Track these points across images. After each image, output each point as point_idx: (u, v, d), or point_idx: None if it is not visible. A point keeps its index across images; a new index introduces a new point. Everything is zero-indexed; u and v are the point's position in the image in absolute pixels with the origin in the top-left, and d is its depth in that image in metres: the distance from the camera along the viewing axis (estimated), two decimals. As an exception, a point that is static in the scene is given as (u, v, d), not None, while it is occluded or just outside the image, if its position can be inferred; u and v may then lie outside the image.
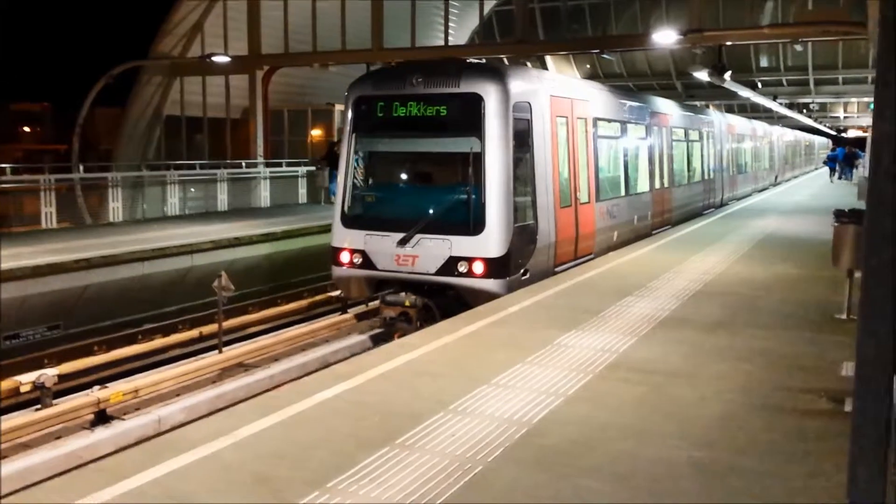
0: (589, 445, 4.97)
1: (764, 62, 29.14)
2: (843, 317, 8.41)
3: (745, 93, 23.89)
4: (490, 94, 10.09)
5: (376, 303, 11.67)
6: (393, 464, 4.62)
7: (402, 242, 10.20)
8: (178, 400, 8.82)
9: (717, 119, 22.48)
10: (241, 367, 9.99)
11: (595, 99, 13.47)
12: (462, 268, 9.96)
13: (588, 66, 31.60)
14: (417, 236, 10.13)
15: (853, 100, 38.51)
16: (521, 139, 10.52)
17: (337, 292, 12.75)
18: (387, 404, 5.69)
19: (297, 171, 23.22)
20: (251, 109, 23.87)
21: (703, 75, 15.76)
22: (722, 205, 22.76)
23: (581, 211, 12.12)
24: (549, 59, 31.06)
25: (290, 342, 11.07)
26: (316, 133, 25.40)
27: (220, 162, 22.46)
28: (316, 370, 10.29)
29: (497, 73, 10.50)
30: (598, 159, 13.13)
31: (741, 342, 7.51)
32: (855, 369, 2.64)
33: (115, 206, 17.94)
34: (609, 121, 13.97)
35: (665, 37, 14.52)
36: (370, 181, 11.37)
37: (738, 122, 25.97)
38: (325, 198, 23.10)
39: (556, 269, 11.21)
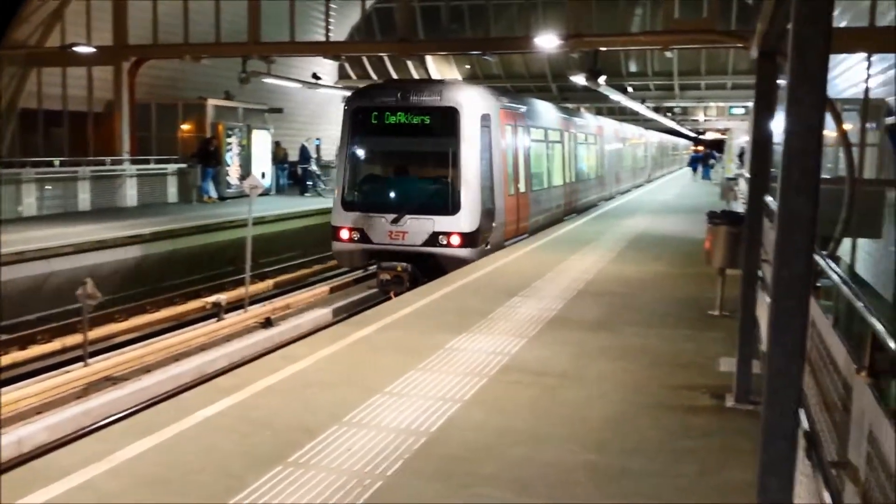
0: (487, 452, 4.91)
1: (633, 67, 30.46)
2: (716, 313, 8.83)
3: (616, 96, 24.87)
4: (464, 107, 13.00)
5: (263, 308, 12.37)
6: (287, 484, 4.38)
7: (395, 221, 12.85)
8: (39, 418, 8.09)
9: (608, 124, 25.90)
10: (109, 380, 9.31)
11: (528, 109, 16.76)
12: (442, 240, 12.71)
13: (468, 66, 31.93)
14: (406, 216, 12.81)
15: (712, 104, 41.03)
16: (485, 142, 13.36)
17: (213, 298, 12.30)
18: (276, 419, 5.41)
19: (167, 169, 22.08)
20: (116, 103, 22.47)
21: (580, 79, 16.28)
22: (610, 197, 26.01)
23: (520, 199, 15.26)
24: (429, 58, 31.15)
25: (162, 352, 10.45)
26: (187, 129, 24.23)
27: (82, 159, 20.99)
28: (192, 381, 9.82)
29: (469, 91, 13.82)
30: (530, 158, 16.21)
31: (624, 341, 7.72)
32: (765, 381, 2.68)
33: (-39, 207, 16.38)
34: (537, 127, 17.14)
35: (547, 41, 14.84)
36: (366, 173, 14.19)
37: (623, 127, 29.65)
38: (198, 197, 22.12)
39: (505, 243, 14.14)
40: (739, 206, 16.45)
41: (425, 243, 12.75)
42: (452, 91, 13.37)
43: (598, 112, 36.50)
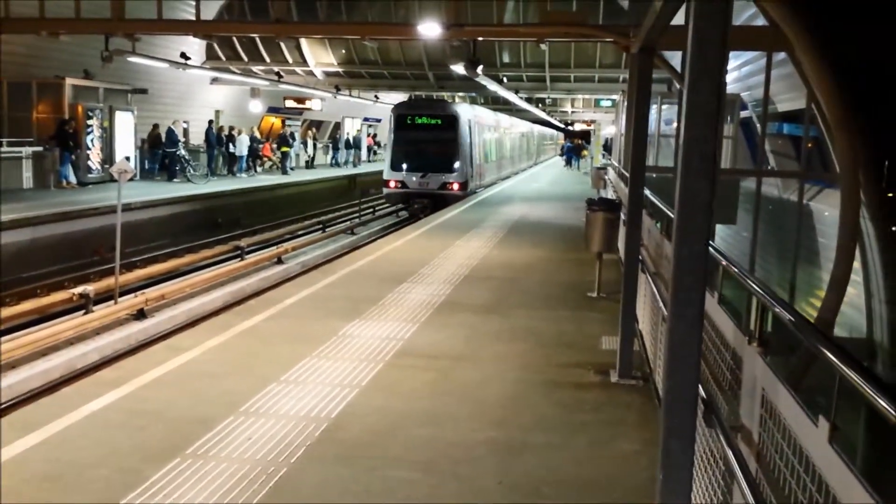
0: (390, 435, 4.97)
1: (507, 58, 31.14)
2: (595, 295, 9.28)
3: (492, 86, 25.37)
4: (459, 116, 24.02)
5: (135, 298, 11.30)
6: (188, 475, 4.26)
7: (422, 177, 23.16)
8: None
9: (513, 120, 38.18)
10: (-31, 378, 8.61)
11: (485, 115, 29.52)
12: (449, 187, 23.16)
13: (343, 51, 31.53)
14: (429, 174, 23.15)
15: (580, 96, 42.64)
16: (469, 134, 24.24)
17: (80, 288, 11.70)
18: (169, 411, 5.23)
19: (21, 152, 20.51)
20: (-40, 79, 20.60)
21: (459, 68, 16.55)
22: (512, 175, 36.25)
23: (483, 166, 26.94)
24: (303, 41, 30.51)
25: (28, 346, 9.77)
26: (43, 109, 22.57)
27: (-80, 139, 19.15)
28: (62, 376, 9.28)
29: (462, 106, 25.98)
30: (486, 144, 28.23)
31: (512, 323, 7.97)
32: (665, 350, 2.88)
33: None
34: (489, 127, 29.70)
35: (429, 29, 14.94)
36: (405, 150, 23.55)
37: (518, 122, 41.12)
38: (56, 182, 20.69)
39: (476, 191, 24.94)
40: (610, 194, 17.26)
41: (439, 188, 23.20)
42: (453, 106, 25.65)
43: (473, 101, 39.63)
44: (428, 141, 23.49)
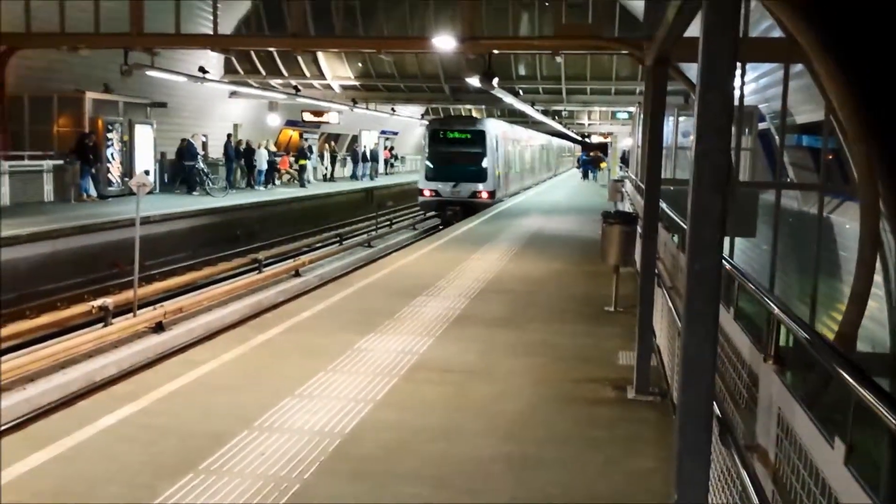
0: (403, 450, 4.94)
1: (523, 71, 31.17)
2: (612, 309, 9.20)
3: (509, 99, 25.45)
4: (488, 130, 26.13)
5: (154, 311, 11.18)
6: (200, 492, 4.25)
7: (454, 186, 25.24)
8: None
9: (534, 134, 40.91)
10: (-12, 391, 8.68)
11: (510, 130, 31.44)
12: (479, 195, 25.15)
13: (360, 64, 31.69)
14: (460, 183, 25.18)
15: (596, 108, 42.58)
16: (496, 148, 26.34)
17: (99, 301, 11.80)
18: (183, 426, 5.24)
19: (43, 166, 20.75)
20: (-17, 94, 20.88)
21: (474, 81, 16.56)
22: (534, 185, 38.39)
23: (509, 177, 29.58)
24: (320, 55, 30.71)
25: (46, 359, 9.84)
26: (63, 123, 22.85)
27: (-56, 154, 19.43)
28: (80, 390, 9.33)
29: (491, 121, 28.03)
30: (511, 156, 30.53)
31: (528, 337, 7.92)
32: (679, 367, 2.83)
33: None
34: (513, 141, 31.57)
35: (444, 42, 14.99)
36: (439, 162, 25.83)
37: (539, 136, 43.75)
38: (76, 195, 20.92)
39: (503, 199, 27.04)
40: (627, 207, 17.18)
41: (469, 196, 25.34)
42: (482, 122, 28.10)
43: (490, 114, 40.27)
44: (459, 154, 25.86)
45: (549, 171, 48.42)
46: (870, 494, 1.81)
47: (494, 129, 26.99)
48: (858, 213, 9.90)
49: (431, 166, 25.69)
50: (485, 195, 25.29)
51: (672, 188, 14.17)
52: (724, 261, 4.35)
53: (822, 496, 2.16)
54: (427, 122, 29.19)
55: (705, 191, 2.70)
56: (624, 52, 14.73)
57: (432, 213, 26.68)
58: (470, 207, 24.09)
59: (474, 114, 42.34)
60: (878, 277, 10.51)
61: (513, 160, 31.03)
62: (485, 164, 25.63)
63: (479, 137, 25.84)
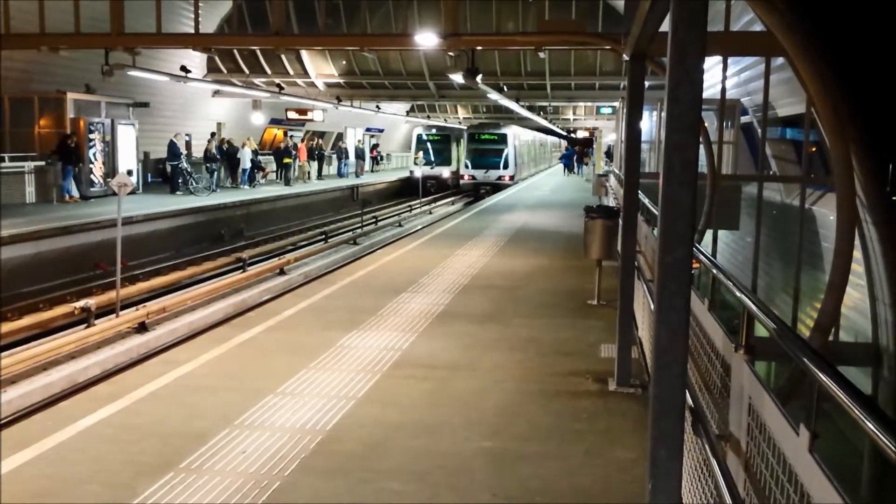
0: (385, 446, 4.94)
1: (507, 67, 31.18)
2: (595, 302, 9.25)
3: (493, 95, 25.40)
4: (509, 134, 38.69)
5: (136, 312, 11.16)
6: (181, 490, 4.24)
7: (485, 172, 37.58)
8: None
9: (535, 135, 51.04)
10: (-31, 393, 8.61)
11: (523, 133, 43.61)
12: (503, 179, 37.34)
13: (344, 62, 31.60)
14: (490, 170, 37.62)
15: (581, 104, 42.67)
16: (515, 146, 38.71)
17: (81, 302, 11.71)
18: (163, 426, 5.22)
19: (24, 167, 20.58)
20: (-38, 96, 20.68)
21: (458, 77, 16.54)
22: (536, 172, 49.56)
23: (522, 165, 41.39)
24: (304, 53, 30.58)
25: (29, 361, 9.77)
26: (45, 124, 22.66)
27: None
28: (63, 391, 9.26)
29: (512, 127, 40.35)
30: (522, 150, 41.30)
31: (511, 332, 7.95)
32: (652, 358, 2.85)
33: None
34: (525, 141, 43.69)
35: (426, 39, 14.95)
36: (475, 156, 37.75)
37: (539, 136, 54.17)
38: (58, 196, 20.76)
39: (518, 181, 38.82)
40: (611, 201, 17.24)
41: (496, 179, 36.78)
42: (505, 127, 39.11)
43: (475, 110, 46.09)
44: (490, 150, 37.58)
45: (546, 162, 61.36)
46: (832, 481, 1.84)
47: (512, 132, 38.84)
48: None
49: (469, 158, 37.69)
50: (507, 179, 37.18)
51: (656, 182, 14.24)
52: (700, 254, 4.40)
53: (789, 483, 2.19)
54: (465, 128, 40.58)
55: (675, 184, 2.72)
56: (606, 47, 14.77)
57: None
58: (496, 187, 35.40)
59: (460, 111, 52.30)
60: (859, 268, 10.62)
61: (524, 154, 42.79)
62: (507, 156, 37.53)
63: (503, 138, 37.84)
